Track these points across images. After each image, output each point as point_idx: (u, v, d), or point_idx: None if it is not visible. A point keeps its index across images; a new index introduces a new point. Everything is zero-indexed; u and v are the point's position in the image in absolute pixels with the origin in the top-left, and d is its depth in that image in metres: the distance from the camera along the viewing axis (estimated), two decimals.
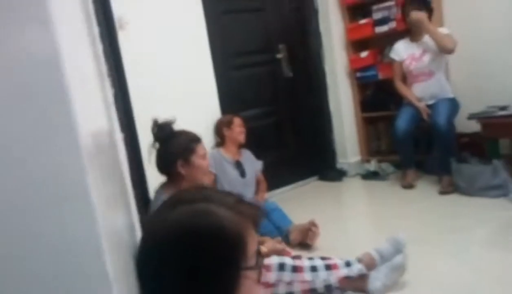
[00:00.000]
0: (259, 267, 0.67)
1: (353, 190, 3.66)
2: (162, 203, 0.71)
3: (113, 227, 0.70)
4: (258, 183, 3.02)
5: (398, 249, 1.89)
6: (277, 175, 3.49)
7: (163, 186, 1.82)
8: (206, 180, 1.88)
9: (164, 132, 1.79)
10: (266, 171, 3.03)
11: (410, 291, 1.84)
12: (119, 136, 1.66)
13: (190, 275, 0.61)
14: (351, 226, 2.91)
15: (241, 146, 2.98)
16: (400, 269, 1.86)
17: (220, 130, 2.97)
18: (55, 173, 0.51)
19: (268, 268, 1.70)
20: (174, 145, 1.80)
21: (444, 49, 3.06)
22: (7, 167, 0.49)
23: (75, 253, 0.51)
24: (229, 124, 2.93)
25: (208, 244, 0.62)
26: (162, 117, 1.79)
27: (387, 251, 1.91)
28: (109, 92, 1.64)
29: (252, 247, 0.66)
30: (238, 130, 2.93)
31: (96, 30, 1.54)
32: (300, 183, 3.90)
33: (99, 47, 1.55)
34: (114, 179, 1.19)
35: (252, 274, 0.66)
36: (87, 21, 1.33)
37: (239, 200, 0.70)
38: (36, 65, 0.51)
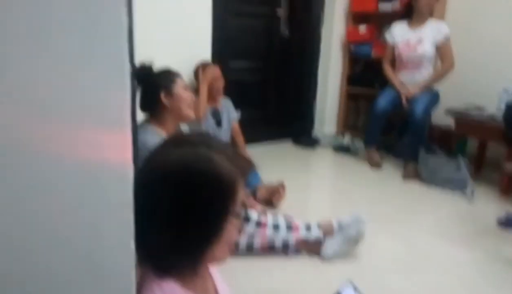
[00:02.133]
0: (242, 217, 0.75)
1: (323, 159, 3.77)
2: (164, 140, 0.77)
3: None
4: (233, 134, 3.03)
5: (357, 226, 1.98)
6: (253, 130, 3.53)
7: (148, 121, 1.82)
8: (191, 114, 1.88)
9: (145, 72, 1.79)
10: (242, 124, 3.05)
11: (357, 263, 1.98)
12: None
13: (185, 207, 0.68)
14: (315, 194, 3.04)
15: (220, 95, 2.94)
16: (354, 241, 1.99)
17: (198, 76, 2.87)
18: None
19: None
20: (155, 78, 1.82)
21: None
22: None
23: None
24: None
25: (205, 185, 0.69)
26: (142, 60, 1.78)
27: (346, 223, 2.00)
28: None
29: (240, 197, 0.73)
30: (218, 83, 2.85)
31: None
32: (274, 142, 3.98)
33: None
34: None
35: (235, 221, 0.74)
36: None
37: (236, 152, 0.76)
38: None
